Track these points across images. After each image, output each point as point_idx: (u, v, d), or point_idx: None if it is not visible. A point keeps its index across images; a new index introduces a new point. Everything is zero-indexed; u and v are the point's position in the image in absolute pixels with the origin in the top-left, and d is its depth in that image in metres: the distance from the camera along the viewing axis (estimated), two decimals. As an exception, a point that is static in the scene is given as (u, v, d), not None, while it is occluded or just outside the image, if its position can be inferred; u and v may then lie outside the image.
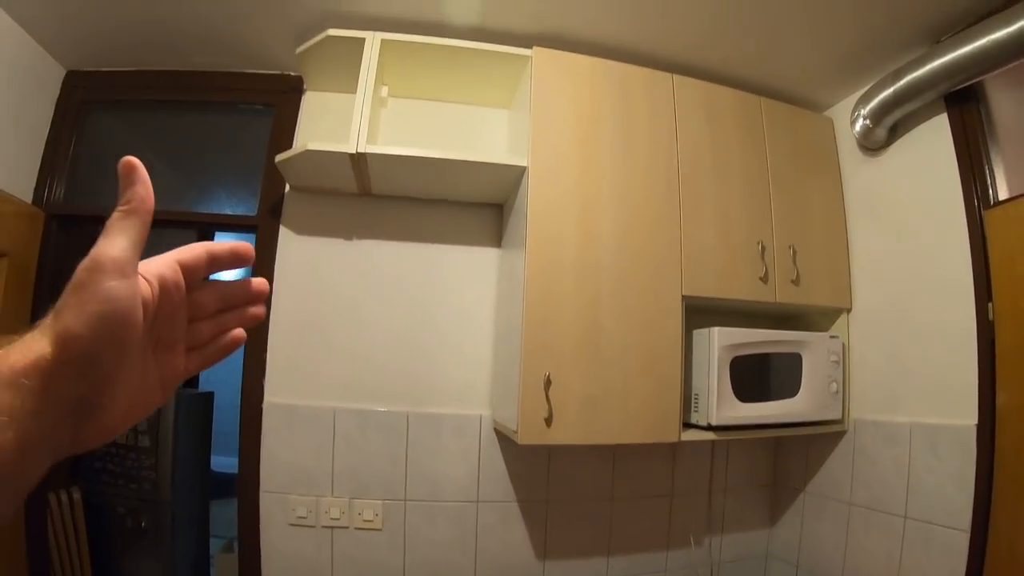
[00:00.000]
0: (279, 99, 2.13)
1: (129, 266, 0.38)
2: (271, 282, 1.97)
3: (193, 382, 3.17)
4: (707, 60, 1.99)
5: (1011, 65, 1.56)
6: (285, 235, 2.02)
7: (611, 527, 2.10)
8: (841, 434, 2.04)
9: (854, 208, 2.11)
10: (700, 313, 1.92)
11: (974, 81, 1.69)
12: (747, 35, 1.87)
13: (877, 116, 1.94)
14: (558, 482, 2.06)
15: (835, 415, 1.96)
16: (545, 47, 1.82)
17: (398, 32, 1.83)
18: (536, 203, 1.70)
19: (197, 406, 2.89)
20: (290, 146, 1.97)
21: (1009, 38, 1.51)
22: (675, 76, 1.92)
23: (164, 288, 0.43)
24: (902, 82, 1.82)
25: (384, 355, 2.00)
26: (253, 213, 2.09)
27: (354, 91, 1.79)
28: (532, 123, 1.75)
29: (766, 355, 1.89)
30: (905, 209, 1.93)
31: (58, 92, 2.16)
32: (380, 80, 1.88)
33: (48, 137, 2.13)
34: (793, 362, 1.92)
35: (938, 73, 1.71)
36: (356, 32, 1.81)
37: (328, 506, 1.92)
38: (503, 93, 2.07)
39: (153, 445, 2.66)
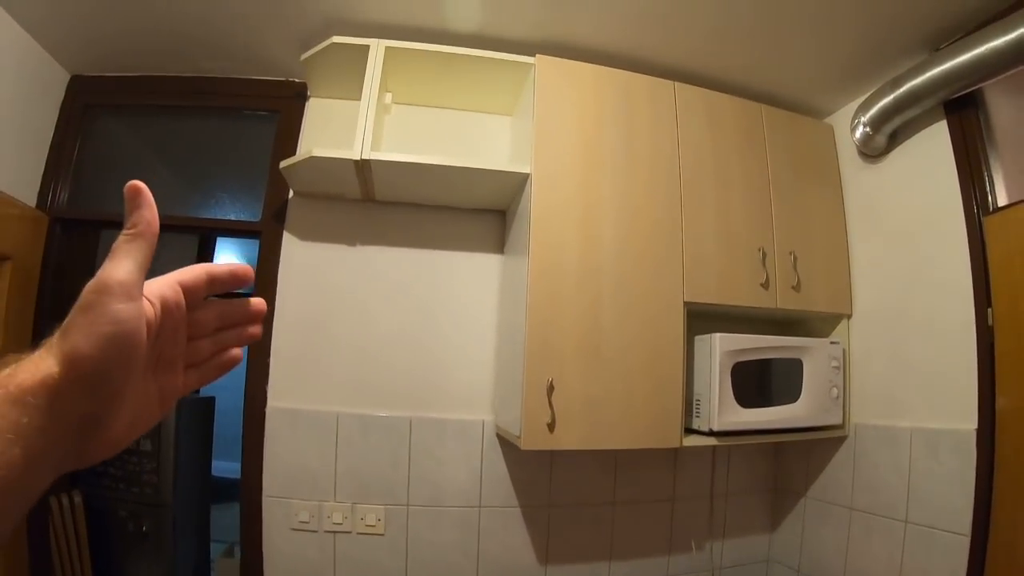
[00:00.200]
0: (283, 105, 2.14)
1: (135, 289, 0.39)
2: (275, 286, 1.99)
3: (195, 386, 3.16)
4: (709, 67, 2.01)
5: (1010, 73, 1.57)
6: (289, 240, 2.03)
7: (613, 532, 2.11)
8: (842, 439, 2.05)
9: (854, 214, 2.13)
10: (701, 319, 1.93)
11: (973, 89, 1.70)
12: (748, 43, 1.89)
13: (877, 123, 1.95)
14: (560, 487, 2.07)
15: (836, 420, 1.97)
16: (548, 55, 1.83)
17: (402, 39, 1.84)
18: (539, 210, 1.71)
19: (199, 411, 2.89)
20: (294, 152, 1.98)
21: (1008, 46, 1.52)
22: (677, 84, 1.93)
23: (166, 308, 0.44)
24: (902, 89, 1.83)
25: (387, 360, 2.01)
26: (257, 219, 2.10)
27: (358, 98, 1.80)
28: (535, 130, 1.76)
29: (767, 361, 1.90)
30: (905, 215, 1.94)
31: (62, 96, 2.17)
32: (384, 87, 1.89)
33: (52, 141, 2.13)
34: (794, 368, 1.93)
35: (937, 81, 1.72)
36: (360, 39, 1.83)
37: (331, 511, 1.93)
38: (506, 100, 2.08)
39: (155, 449, 2.66)
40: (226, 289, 0.49)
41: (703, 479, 2.23)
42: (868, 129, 1.98)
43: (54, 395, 0.36)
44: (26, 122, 2.01)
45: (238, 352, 0.53)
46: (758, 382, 1.88)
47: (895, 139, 2.00)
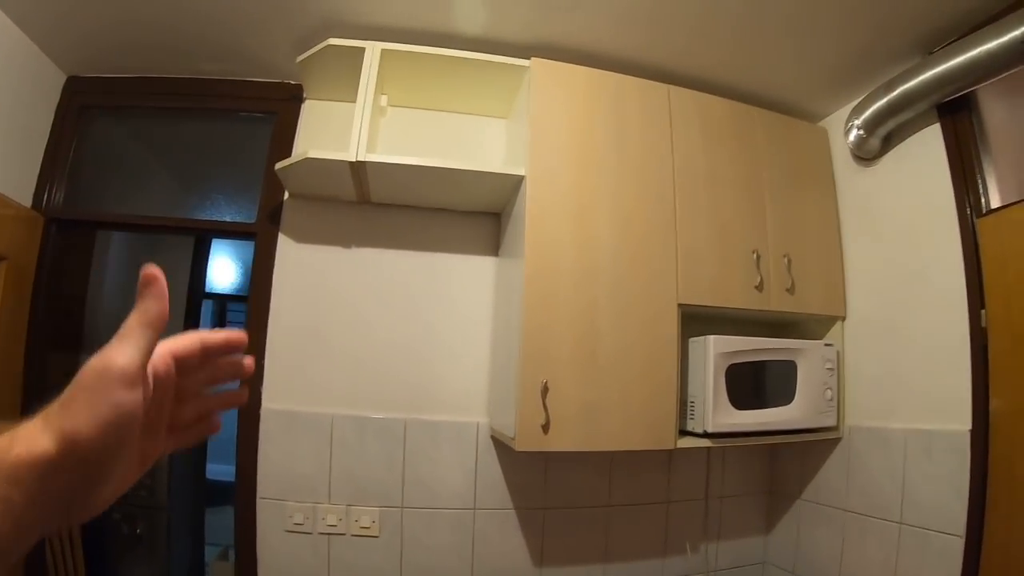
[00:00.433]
0: (279, 107, 2.14)
1: (138, 377, 0.40)
2: (269, 288, 1.98)
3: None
4: (699, 68, 2.01)
5: (1003, 75, 1.57)
6: (284, 242, 2.03)
7: (608, 534, 2.11)
8: (836, 441, 2.05)
9: (848, 217, 2.13)
10: (696, 321, 1.94)
11: (966, 91, 1.70)
12: (733, 45, 1.90)
13: (871, 126, 1.96)
14: (555, 489, 2.07)
15: (830, 422, 1.97)
16: (541, 57, 1.83)
17: (398, 42, 1.85)
18: (534, 212, 1.71)
19: (194, 412, 2.90)
20: (289, 154, 1.98)
21: (1001, 49, 1.52)
22: (671, 87, 1.94)
23: (157, 382, 0.45)
24: (895, 93, 1.84)
25: (382, 362, 2.01)
26: (252, 220, 2.10)
27: (353, 100, 1.80)
28: (530, 132, 1.76)
29: (761, 363, 1.90)
30: (898, 217, 1.95)
31: (58, 97, 2.17)
32: (380, 89, 1.90)
33: (48, 141, 2.13)
34: (788, 370, 1.93)
35: (931, 84, 1.73)
36: (356, 41, 1.83)
37: (325, 513, 1.92)
38: (501, 103, 2.09)
39: (149, 452, 2.66)
40: (219, 356, 0.50)
41: (698, 481, 2.23)
42: (862, 132, 1.99)
43: (49, 472, 0.36)
44: (22, 122, 2.01)
45: (217, 423, 0.54)
46: (752, 384, 1.88)
47: (889, 142, 2.00)
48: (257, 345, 1.96)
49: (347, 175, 1.81)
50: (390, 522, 1.95)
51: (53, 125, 2.15)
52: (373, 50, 1.82)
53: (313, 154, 1.71)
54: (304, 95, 2.14)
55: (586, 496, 2.09)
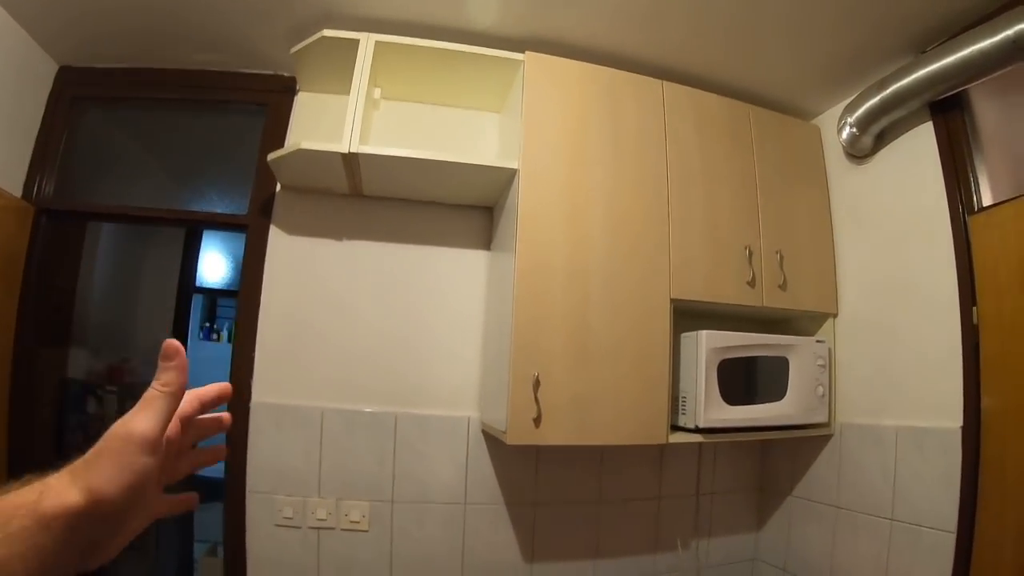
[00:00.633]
0: (272, 99, 2.13)
1: (158, 443, 0.45)
2: (260, 280, 1.97)
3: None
4: (693, 65, 2.01)
5: (996, 74, 1.58)
6: (275, 234, 2.02)
7: (599, 530, 2.10)
8: (827, 438, 2.05)
9: (840, 214, 2.14)
10: (687, 317, 1.94)
11: (959, 90, 1.71)
12: (727, 42, 1.90)
13: (863, 124, 1.96)
14: (546, 485, 2.06)
15: (822, 418, 1.98)
16: (535, 51, 1.83)
17: (393, 34, 1.84)
18: (527, 205, 1.71)
19: (183, 407, 2.87)
20: (282, 146, 1.96)
21: (994, 48, 1.53)
22: (665, 83, 1.94)
23: (168, 444, 0.50)
24: (888, 91, 1.84)
25: (373, 356, 2.00)
26: (244, 213, 2.09)
27: (347, 92, 1.79)
28: (524, 125, 1.76)
29: (753, 359, 1.90)
30: (891, 215, 1.96)
31: (50, 87, 2.15)
32: (373, 82, 1.89)
33: (39, 132, 2.12)
34: (780, 366, 1.93)
35: (923, 82, 1.74)
36: (351, 33, 1.82)
37: (315, 507, 1.91)
38: (494, 97, 2.08)
39: (138, 446, 2.64)
40: (213, 408, 0.56)
41: (689, 478, 2.23)
42: (855, 130, 1.99)
43: (76, 523, 0.41)
44: (13, 112, 2.00)
45: (194, 495, 0.59)
46: (744, 380, 1.88)
47: (882, 140, 2.01)
48: (247, 338, 1.95)
49: (339, 167, 1.80)
50: (380, 516, 1.94)
51: (44, 115, 2.14)
52: (367, 42, 1.82)
53: (306, 145, 1.69)
54: (297, 87, 2.13)
55: (577, 492, 2.09)
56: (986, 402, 1.60)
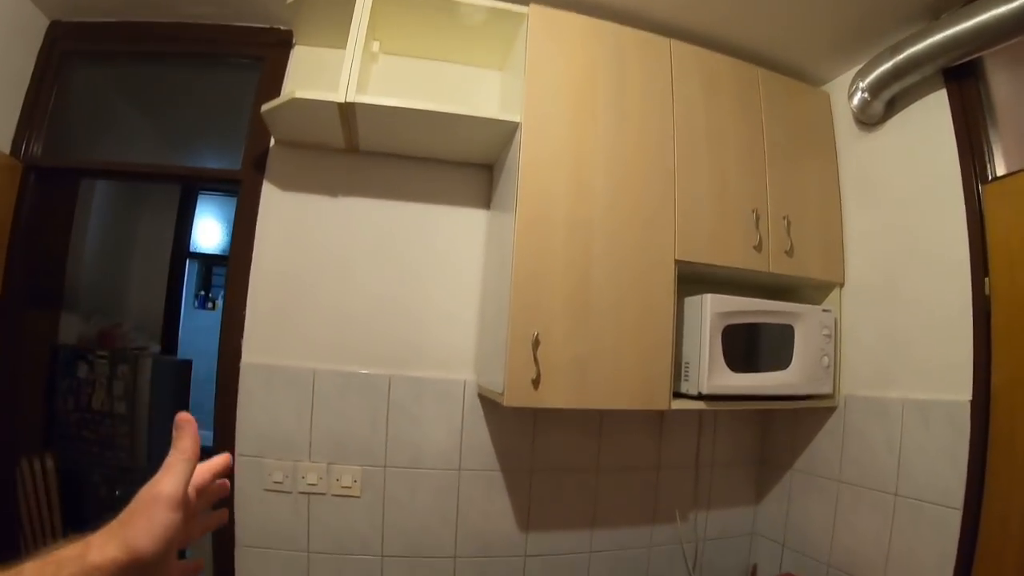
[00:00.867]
0: (268, 53, 2.07)
1: (181, 501, 0.51)
2: (252, 237, 1.93)
3: (172, 349, 3.12)
4: (701, 24, 1.95)
5: (1012, 41, 1.54)
6: (269, 191, 1.96)
7: (596, 499, 2.07)
8: (831, 410, 2.02)
9: (849, 182, 2.09)
10: (690, 283, 1.88)
11: (974, 57, 1.67)
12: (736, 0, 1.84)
13: (875, 89, 1.91)
14: (543, 452, 2.02)
15: (826, 389, 1.93)
16: (539, 3, 1.77)
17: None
18: (528, 160, 1.66)
19: (174, 373, 2.83)
20: (277, 100, 1.91)
21: (1011, 14, 1.49)
22: (672, 41, 1.88)
23: (186, 509, 0.55)
24: (901, 56, 1.79)
25: (367, 315, 1.95)
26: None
27: (345, 46, 1.73)
28: (526, 76, 1.70)
29: (757, 327, 1.86)
30: (900, 183, 1.91)
31: (40, 42, 2.09)
32: (372, 35, 1.83)
33: (29, 88, 2.06)
34: (785, 334, 1.89)
35: (937, 47, 1.69)
36: (349, -18, 1.76)
37: (305, 471, 1.87)
38: (496, 53, 2.02)
39: (129, 411, 2.61)
40: (221, 476, 0.64)
41: (689, 448, 2.20)
42: (866, 95, 1.94)
43: (116, 574, 0.46)
44: (2, 67, 1.94)
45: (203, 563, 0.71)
46: (749, 347, 1.84)
47: (893, 106, 1.96)
48: (238, 296, 1.90)
49: (335, 119, 1.74)
50: (372, 482, 1.90)
51: (34, 71, 2.08)
52: (365, -9, 1.75)
53: (300, 94, 1.64)
54: (294, 41, 2.06)
55: (574, 460, 2.05)
56: (997, 375, 1.55)
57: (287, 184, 1.97)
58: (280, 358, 1.90)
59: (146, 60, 2.26)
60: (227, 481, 0.66)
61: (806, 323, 1.90)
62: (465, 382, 1.97)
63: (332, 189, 1.98)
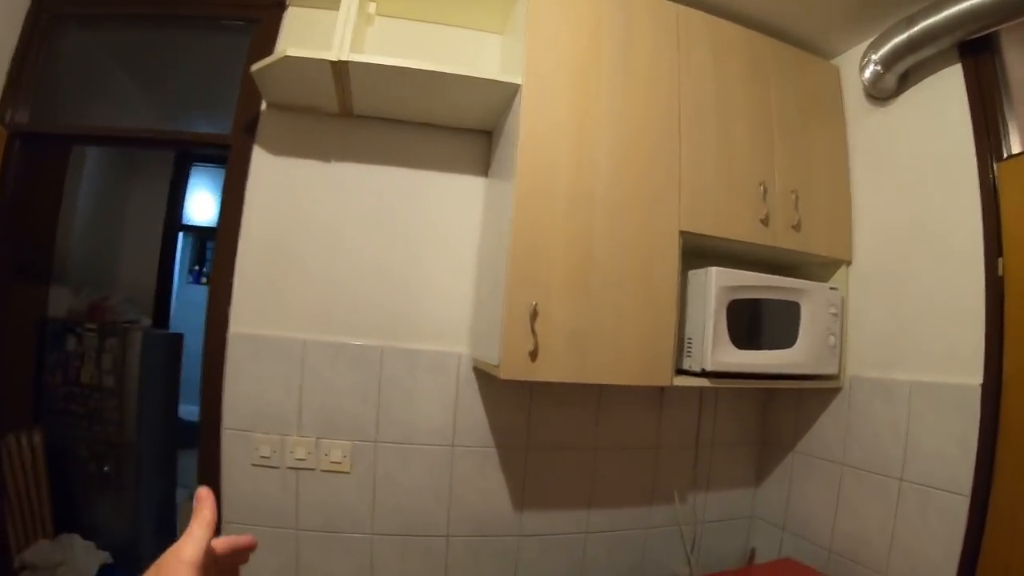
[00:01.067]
0: (261, 14, 1.99)
1: (201, 564, 0.54)
2: (241, 203, 1.87)
3: (163, 323, 3.07)
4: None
5: (1031, 15, 1.47)
6: (259, 155, 1.89)
7: (593, 478, 2.02)
8: (835, 391, 1.97)
9: (858, 158, 2.03)
10: (695, 257, 1.83)
11: (991, 31, 1.61)
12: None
13: (888, 62, 1.85)
14: (539, 428, 1.97)
15: (832, 370, 1.89)
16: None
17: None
18: (529, 125, 1.59)
19: (165, 347, 2.78)
20: (270, 63, 1.85)
21: (1031, -15, 1.43)
22: (680, 7, 1.82)
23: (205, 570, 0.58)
24: (917, 27, 1.73)
25: (360, 285, 1.89)
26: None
27: (339, 7, 1.67)
28: (527, 38, 1.63)
29: (763, 303, 1.80)
30: (912, 159, 1.85)
31: (28, 5, 2.02)
32: (368, -5, 1.77)
33: (15, 53, 1.99)
34: (791, 311, 1.83)
35: (953, 20, 1.64)
36: (344, -61, 1.69)
37: (294, 445, 1.82)
38: (496, 16, 1.96)
39: (118, 385, 2.55)
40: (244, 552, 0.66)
41: (689, 427, 2.15)
42: (879, 68, 1.88)
43: None
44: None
45: None
46: (753, 324, 1.78)
47: (906, 80, 1.90)
48: (226, 264, 1.84)
49: (329, 79, 1.67)
50: (363, 457, 1.85)
51: (21, 34, 2.01)
52: (362, -53, 1.69)
53: (292, 52, 1.57)
54: (287, 1, 1.99)
55: (572, 437, 2.00)
56: (1010, 359, 1.51)
57: (279, 149, 1.91)
58: (269, 328, 1.84)
59: (138, 23, 2.19)
60: (248, 555, 0.69)
61: (813, 300, 1.85)
62: (460, 355, 1.91)
63: (325, 154, 1.92)
